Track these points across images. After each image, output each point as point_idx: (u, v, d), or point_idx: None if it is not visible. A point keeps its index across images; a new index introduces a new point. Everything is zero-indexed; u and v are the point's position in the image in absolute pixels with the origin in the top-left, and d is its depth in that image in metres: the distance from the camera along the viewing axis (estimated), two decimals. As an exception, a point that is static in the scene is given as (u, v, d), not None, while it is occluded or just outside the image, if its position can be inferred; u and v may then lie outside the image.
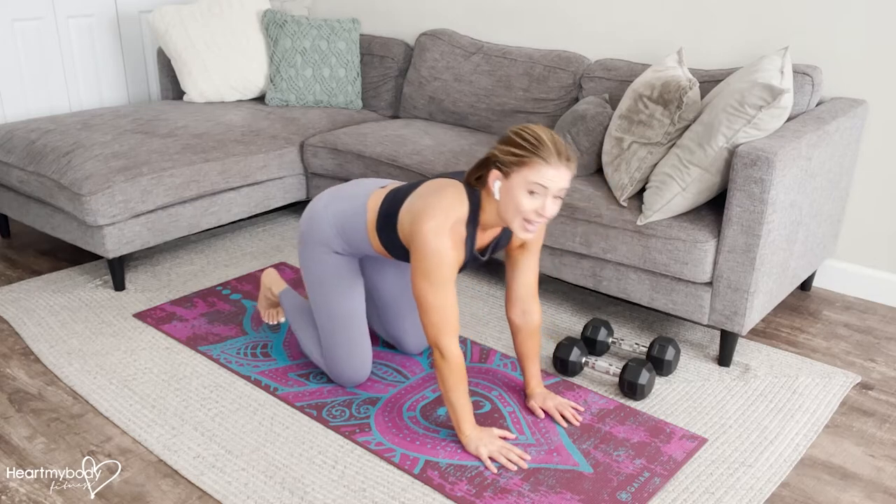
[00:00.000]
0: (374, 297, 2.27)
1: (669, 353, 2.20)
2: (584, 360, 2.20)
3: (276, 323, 2.46)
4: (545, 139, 1.68)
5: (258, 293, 2.70)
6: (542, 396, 2.06)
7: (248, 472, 1.82)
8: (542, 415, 2.03)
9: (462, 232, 1.81)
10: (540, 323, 2.04)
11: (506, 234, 1.96)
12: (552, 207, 1.71)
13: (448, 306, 1.79)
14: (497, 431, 1.92)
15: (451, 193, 1.80)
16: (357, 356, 2.09)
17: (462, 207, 1.79)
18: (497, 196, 1.75)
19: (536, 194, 1.70)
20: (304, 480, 1.80)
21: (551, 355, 2.31)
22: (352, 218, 1.98)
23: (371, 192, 2.00)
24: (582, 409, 2.06)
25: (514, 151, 1.69)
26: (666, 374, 2.23)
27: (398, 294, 2.24)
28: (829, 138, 2.30)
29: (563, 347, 2.20)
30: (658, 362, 2.20)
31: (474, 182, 1.82)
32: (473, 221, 1.82)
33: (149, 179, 2.66)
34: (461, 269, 1.92)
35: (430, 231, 1.74)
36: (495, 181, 1.74)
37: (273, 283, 2.38)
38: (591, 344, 2.32)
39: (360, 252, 2.04)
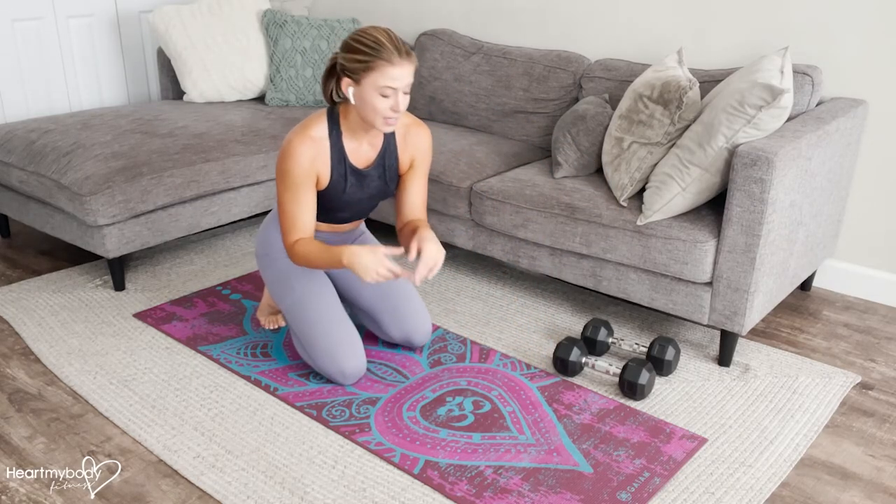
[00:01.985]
0: (362, 307, 2.31)
1: (669, 353, 2.20)
2: (584, 360, 2.20)
3: (275, 328, 2.46)
4: (384, 41, 1.82)
5: (259, 294, 2.70)
6: (425, 238, 1.97)
7: (248, 472, 1.82)
8: (412, 251, 1.97)
9: (325, 144, 1.97)
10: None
11: (390, 150, 2.08)
12: (404, 101, 1.88)
13: (298, 212, 1.97)
14: (381, 258, 1.89)
15: (308, 117, 1.99)
16: (342, 350, 2.09)
17: (320, 122, 1.97)
18: (353, 101, 1.90)
19: (388, 96, 1.85)
20: (304, 480, 1.80)
21: (551, 355, 2.32)
22: None
23: None
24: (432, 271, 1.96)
25: (359, 58, 1.83)
26: (666, 374, 2.23)
27: (382, 296, 2.26)
28: (829, 138, 2.30)
29: (563, 347, 2.20)
30: (658, 362, 2.20)
31: (331, 97, 1.98)
32: (336, 131, 1.98)
33: (149, 179, 2.66)
34: (345, 183, 2.02)
35: (286, 142, 1.95)
36: (349, 88, 1.89)
37: None
38: (591, 344, 2.32)
39: None
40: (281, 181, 1.96)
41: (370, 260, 1.90)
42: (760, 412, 2.08)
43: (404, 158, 2.11)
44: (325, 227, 2.18)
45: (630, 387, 2.08)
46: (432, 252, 1.95)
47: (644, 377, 2.07)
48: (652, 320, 2.59)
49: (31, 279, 2.83)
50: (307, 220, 1.99)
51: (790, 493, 1.80)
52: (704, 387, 2.20)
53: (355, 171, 2.04)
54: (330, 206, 2.08)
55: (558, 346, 2.21)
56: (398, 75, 1.82)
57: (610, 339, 2.33)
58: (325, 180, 2.01)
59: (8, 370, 2.25)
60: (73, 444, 1.93)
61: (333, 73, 1.95)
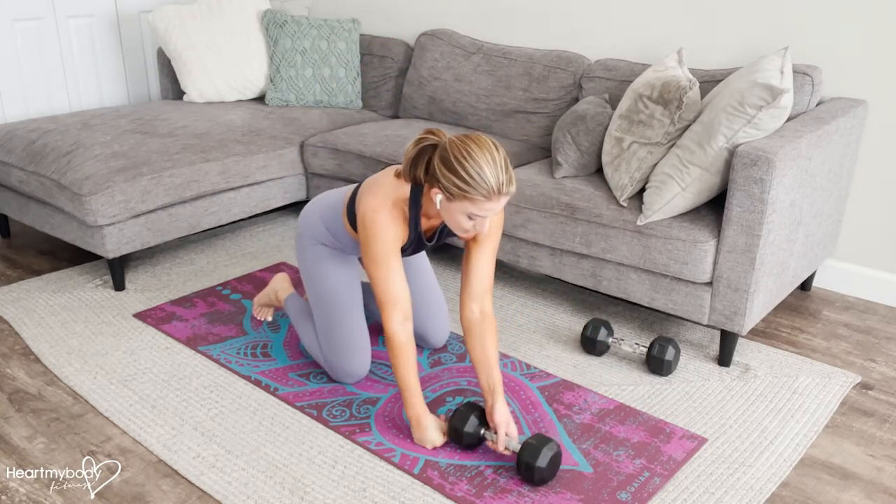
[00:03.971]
0: None
1: (669, 353, 2.20)
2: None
3: (262, 319, 2.50)
4: (489, 176, 1.66)
5: (258, 292, 2.70)
6: (506, 423, 1.85)
7: (248, 472, 1.82)
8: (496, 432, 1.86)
9: (405, 211, 1.88)
10: (496, 323, 1.96)
11: None
12: (488, 224, 1.78)
13: (390, 282, 1.84)
14: (438, 439, 1.89)
15: (387, 182, 1.88)
16: (355, 349, 2.10)
17: (404, 189, 1.86)
18: (438, 206, 1.77)
19: (474, 220, 1.76)
20: (304, 480, 1.80)
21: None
22: (333, 206, 2.08)
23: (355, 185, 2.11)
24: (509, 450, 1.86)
25: (459, 185, 1.68)
26: (666, 374, 2.23)
27: (414, 289, 2.25)
28: (829, 138, 2.30)
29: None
30: (658, 362, 2.20)
31: (414, 178, 1.80)
32: (416, 205, 1.88)
33: (149, 179, 2.66)
34: (406, 250, 1.98)
35: (370, 207, 1.84)
36: (437, 196, 1.75)
37: (282, 287, 2.41)
38: (591, 344, 2.32)
39: (344, 244, 2.10)
40: (366, 252, 1.83)
41: (427, 439, 1.89)
42: (760, 412, 2.08)
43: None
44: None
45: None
46: (510, 432, 1.85)
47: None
48: (652, 320, 2.59)
49: (31, 279, 2.83)
50: (401, 288, 1.84)
51: (790, 493, 1.80)
52: (704, 387, 2.20)
53: (420, 240, 1.96)
54: None
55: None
56: (491, 208, 1.71)
57: (610, 339, 2.33)
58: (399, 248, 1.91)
59: (8, 370, 2.25)
60: (73, 444, 1.93)
61: (423, 159, 1.77)
